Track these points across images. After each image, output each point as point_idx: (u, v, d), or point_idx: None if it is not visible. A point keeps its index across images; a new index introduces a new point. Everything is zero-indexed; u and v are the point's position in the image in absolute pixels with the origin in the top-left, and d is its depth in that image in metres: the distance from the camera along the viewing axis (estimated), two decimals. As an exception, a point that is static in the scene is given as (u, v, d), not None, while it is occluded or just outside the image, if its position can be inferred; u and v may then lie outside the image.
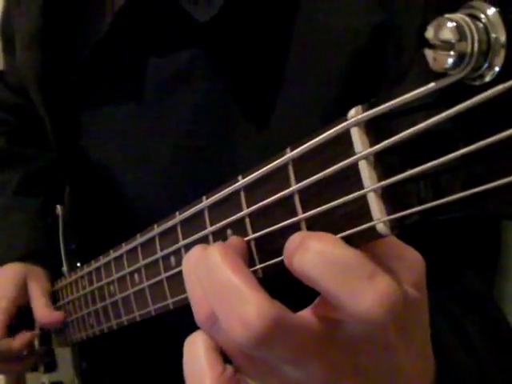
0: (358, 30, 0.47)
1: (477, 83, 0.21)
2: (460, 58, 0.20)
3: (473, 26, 0.20)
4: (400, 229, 0.24)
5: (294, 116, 0.51)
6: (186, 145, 0.56)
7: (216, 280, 0.27)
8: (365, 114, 0.24)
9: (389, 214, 0.24)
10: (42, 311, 0.69)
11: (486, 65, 0.20)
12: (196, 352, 0.30)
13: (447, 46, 0.20)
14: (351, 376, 0.28)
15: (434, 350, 0.32)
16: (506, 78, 0.20)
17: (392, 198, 0.24)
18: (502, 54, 0.20)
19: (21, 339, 0.69)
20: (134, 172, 0.60)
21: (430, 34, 0.21)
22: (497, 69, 0.20)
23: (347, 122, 0.24)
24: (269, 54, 0.52)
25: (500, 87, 0.20)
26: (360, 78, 0.48)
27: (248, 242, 0.32)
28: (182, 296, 0.42)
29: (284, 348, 0.26)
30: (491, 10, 0.20)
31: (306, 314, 0.28)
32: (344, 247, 0.24)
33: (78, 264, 0.68)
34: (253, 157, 0.52)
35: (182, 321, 0.55)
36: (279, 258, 0.30)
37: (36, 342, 0.76)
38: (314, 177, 0.26)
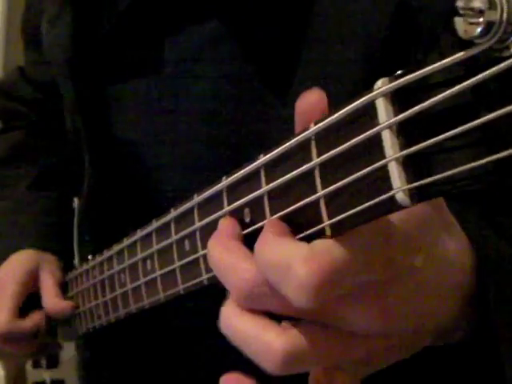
0: (382, 4, 0.48)
1: (503, 54, 0.22)
2: (488, 26, 0.21)
3: (503, -4, 0.21)
4: (420, 198, 0.24)
5: (321, 86, 0.50)
6: (209, 122, 0.56)
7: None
8: (391, 84, 0.24)
9: (409, 182, 0.24)
10: (52, 300, 0.69)
11: (512, 35, 0.21)
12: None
13: (477, 14, 0.21)
14: None
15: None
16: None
17: (413, 167, 0.24)
18: (530, 25, 0.21)
19: (31, 319, 0.69)
20: (158, 152, 0.60)
21: (460, 2, 0.21)
22: (524, 40, 0.21)
23: (374, 93, 0.25)
24: (291, 24, 0.52)
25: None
26: (384, 54, 0.48)
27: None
28: (193, 281, 0.42)
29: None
30: (522, -18, 0.21)
31: None
32: None
33: (90, 257, 0.68)
34: (280, 130, 0.52)
35: (184, 312, 0.55)
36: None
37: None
38: (336, 149, 0.27)
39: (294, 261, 0.27)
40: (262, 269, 0.29)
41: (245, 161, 0.34)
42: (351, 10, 0.50)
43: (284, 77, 0.53)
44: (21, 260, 0.70)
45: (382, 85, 0.25)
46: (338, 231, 0.28)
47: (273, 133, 0.53)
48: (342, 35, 0.50)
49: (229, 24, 0.55)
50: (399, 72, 0.24)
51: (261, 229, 0.33)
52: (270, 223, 0.31)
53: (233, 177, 0.35)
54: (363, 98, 0.25)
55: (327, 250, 0.27)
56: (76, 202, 0.71)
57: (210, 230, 0.39)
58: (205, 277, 0.40)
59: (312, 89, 0.31)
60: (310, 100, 0.31)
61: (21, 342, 0.69)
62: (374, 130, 0.25)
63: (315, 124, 0.29)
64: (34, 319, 0.69)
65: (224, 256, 0.32)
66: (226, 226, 0.35)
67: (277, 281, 0.28)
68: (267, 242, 0.29)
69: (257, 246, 0.30)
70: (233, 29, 0.55)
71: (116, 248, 0.55)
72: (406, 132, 0.24)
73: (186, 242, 0.42)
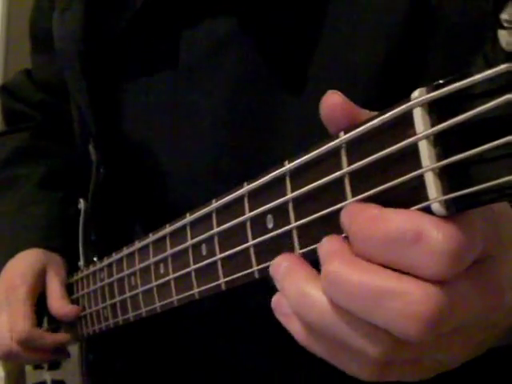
0: (396, 5, 0.48)
1: (546, 67, 0.22)
2: (534, 39, 0.21)
3: (549, 10, 0.21)
4: (456, 209, 0.24)
5: (335, 85, 0.50)
6: (224, 119, 0.55)
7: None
8: (430, 94, 0.24)
9: (446, 193, 0.24)
10: (58, 303, 0.68)
11: (558, 48, 0.21)
12: None
13: (522, 27, 0.21)
14: None
15: None
16: None
17: (449, 177, 0.24)
18: None
19: (55, 337, 0.68)
20: (171, 152, 0.59)
21: (505, 15, 0.22)
22: None
23: (411, 103, 0.25)
24: (307, 20, 0.51)
25: None
26: (399, 56, 0.48)
27: (290, 229, 0.33)
28: (209, 285, 0.42)
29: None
30: None
31: None
32: None
33: (95, 258, 0.68)
34: (294, 127, 0.52)
35: (189, 312, 0.55)
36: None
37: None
38: (369, 158, 0.27)
39: (424, 227, 0.25)
40: (381, 245, 0.26)
41: (254, 161, 0.34)
42: (365, 12, 0.50)
43: (298, 76, 0.53)
44: (29, 260, 0.69)
45: (419, 95, 0.25)
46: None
47: (288, 133, 0.52)
48: (357, 38, 0.50)
49: (245, 20, 0.55)
50: (439, 82, 0.24)
51: (283, 234, 0.33)
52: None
53: (255, 183, 0.35)
54: (400, 108, 0.25)
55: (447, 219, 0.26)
56: (82, 203, 0.71)
57: (228, 235, 0.39)
58: (222, 281, 0.40)
59: (329, 92, 0.31)
60: (333, 101, 0.30)
61: (38, 352, 0.68)
62: (412, 139, 0.25)
63: (345, 133, 0.29)
64: (56, 338, 0.69)
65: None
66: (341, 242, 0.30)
67: (404, 250, 0.25)
68: (381, 217, 0.26)
69: (367, 224, 0.27)
70: (249, 25, 0.54)
71: (126, 251, 0.55)
72: (443, 142, 0.24)
73: (203, 247, 0.42)
